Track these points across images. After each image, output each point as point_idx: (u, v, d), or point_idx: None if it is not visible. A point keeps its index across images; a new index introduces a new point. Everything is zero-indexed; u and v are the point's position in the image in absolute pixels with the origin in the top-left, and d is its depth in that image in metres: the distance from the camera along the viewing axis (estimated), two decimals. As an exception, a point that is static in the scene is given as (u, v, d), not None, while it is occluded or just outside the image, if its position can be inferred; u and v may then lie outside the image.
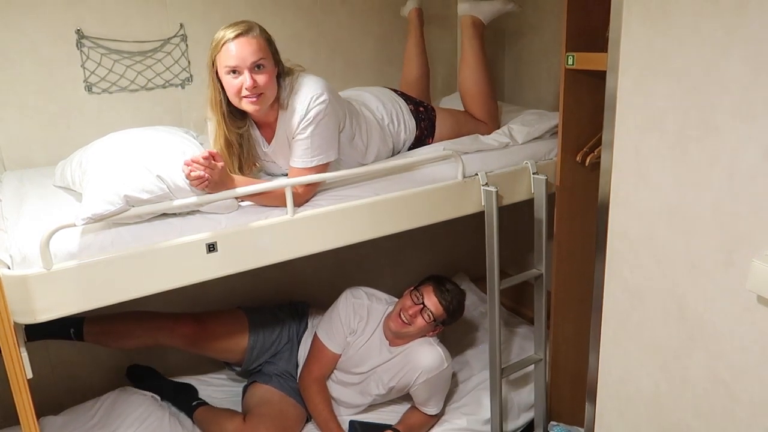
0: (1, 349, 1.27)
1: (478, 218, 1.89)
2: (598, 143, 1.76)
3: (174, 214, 1.48)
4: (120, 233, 1.40)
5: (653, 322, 1.21)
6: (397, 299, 2.07)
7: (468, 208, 1.85)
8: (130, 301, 1.42)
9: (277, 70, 1.58)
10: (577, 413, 1.99)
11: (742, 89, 0.96)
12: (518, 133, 2.01)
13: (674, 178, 1.10)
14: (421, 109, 1.99)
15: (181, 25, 2.07)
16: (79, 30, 1.93)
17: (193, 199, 1.45)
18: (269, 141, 1.69)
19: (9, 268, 1.31)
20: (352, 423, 2.03)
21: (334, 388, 2.06)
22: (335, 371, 2.06)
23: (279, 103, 1.60)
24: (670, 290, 1.16)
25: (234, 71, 1.51)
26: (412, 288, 2.03)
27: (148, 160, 1.44)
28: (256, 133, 1.70)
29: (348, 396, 2.05)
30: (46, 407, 1.96)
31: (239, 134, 1.65)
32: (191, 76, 2.12)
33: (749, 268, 0.98)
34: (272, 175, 1.78)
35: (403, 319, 1.94)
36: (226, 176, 1.49)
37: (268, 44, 1.55)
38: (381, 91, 2.00)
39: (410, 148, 1.96)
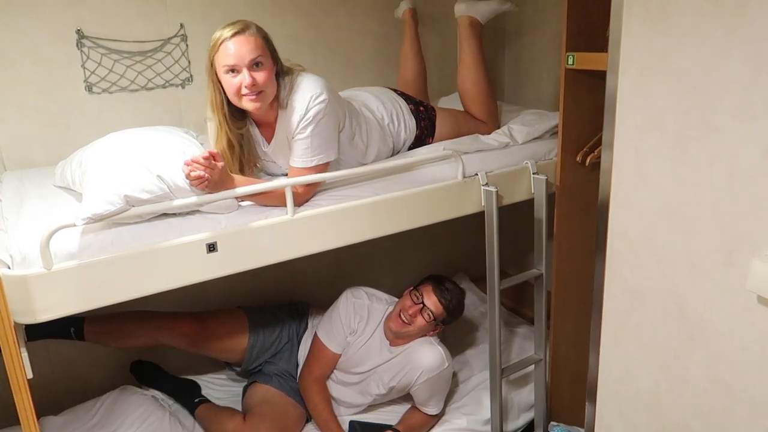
0: (1, 349, 1.27)
1: (478, 218, 1.89)
2: (598, 143, 1.76)
3: (174, 214, 1.48)
4: (120, 233, 1.40)
5: (653, 322, 1.21)
6: (397, 299, 2.07)
7: (468, 208, 1.85)
8: (131, 300, 1.42)
9: (276, 68, 1.59)
10: (577, 413, 1.99)
11: (742, 89, 0.96)
12: (518, 133, 2.01)
13: (674, 178, 1.10)
14: (421, 108, 1.99)
15: (181, 25, 2.07)
16: (79, 30, 1.93)
17: (193, 199, 1.45)
18: (269, 141, 1.69)
19: (9, 268, 1.31)
20: (352, 423, 2.03)
21: (334, 388, 2.06)
22: (335, 371, 2.06)
23: (278, 103, 1.60)
24: (670, 290, 1.16)
25: (233, 70, 1.51)
26: (411, 288, 2.03)
27: (148, 160, 1.44)
28: (256, 133, 1.70)
29: (348, 396, 2.05)
30: (46, 407, 1.96)
31: (240, 134, 1.65)
32: (191, 76, 2.12)
33: (749, 268, 0.98)
34: (272, 175, 1.78)
35: (404, 319, 1.94)
36: (226, 176, 1.49)
37: (266, 42, 1.55)
38: (381, 90, 2.00)
39: (410, 148, 1.96)
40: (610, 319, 1.32)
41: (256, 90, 1.52)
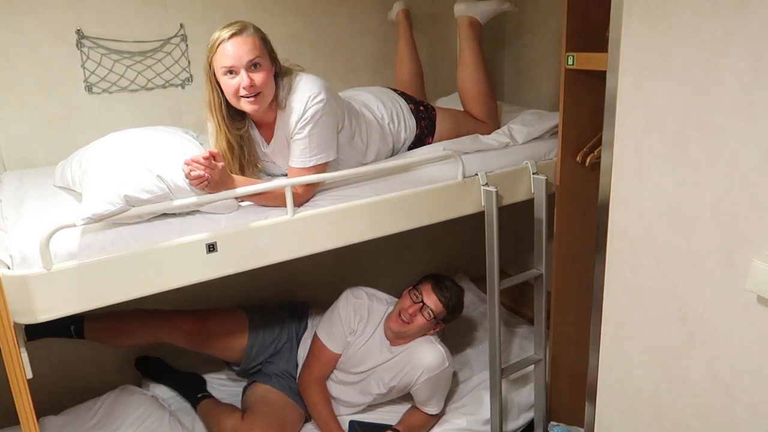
0: (1, 349, 1.27)
1: (478, 218, 1.89)
2: (598, 143, 1.76)
3: (174, 214, 1.48)
4: (120, 233, 1.40)
5: (653, 322, 1.21)
6: (397, 299, 2.07)
7: (468, 208, 1.85)
8: (131, 300, 1.42)
9: (275, 69, 1.59)
10: (577, 413, 1.99)
11: (742, 89, 0.96)
12: (518, 133, 2.01)
13: (674, 178, 1.10)
14: (422, 108, 1.99)
15: (181, 25, 2.07)
16: (79, 30, 1.93)
17: (193, 199, 1.45)
18: (269, 141, 1.69)
19: (9, 268, 1.31)
20: (351, 423, 2.03)
21: (334, 388, 2.06)
22: (335, 371, 2.06)
23: (277, 103, 1.60)
24: (670, 290, 1.16)
25: (231, 71, 1.51)
26: (410, 287, 2.03)
27: (148, 160, 1.44)
28: (255, 134, 1.70)
29: (348, 395, 2.05)
30: (46, 407, 1.96)
31: (239, 135, 1.65)
32: (191, 76, 2.12)
33: (749, 268, 0.98)
34: (272, 176, 1.78)
35: (404, 318, 1.94)
36: (226, 176, 1.49)
37: (264, 43, 1.55)
38: (381, 90, 2.00)
39: (410, 148, 1.96)
40: (610, 319, 1.32)
41: (254, 91, 1.52)
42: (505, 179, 1.89)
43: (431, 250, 2.77)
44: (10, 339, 1.26)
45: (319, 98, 1.57)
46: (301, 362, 2.12)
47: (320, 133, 1.60)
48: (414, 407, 2.04)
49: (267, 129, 1.68)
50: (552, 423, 2.00)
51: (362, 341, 2.02)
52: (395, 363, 1.98)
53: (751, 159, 0.96)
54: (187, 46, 2.09)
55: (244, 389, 2.13)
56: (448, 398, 2.10)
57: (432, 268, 2.15)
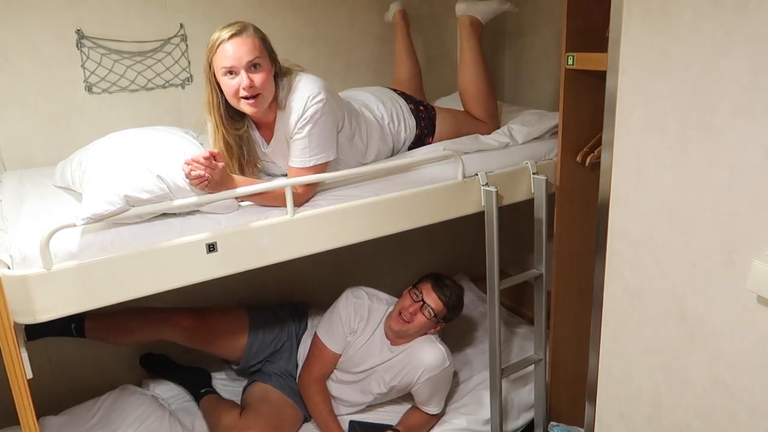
0: (1, 349, 1.27)
1: (478, 218, 1.89)
2: (598, 143, 1.76)
3: (174, 214, 1.48)
4: (120, 233, 1.40)
5: (653, 322, 1.21)
6: (397, 299, 2.07)
7: (468, 208, 1.85)
8: (131, 300, 1.42)
9: (274, 69, 1.59)
10: (577, 413, 1.99)
11: (742, 89, 0.96)
12: (518, 133, 2.01)
13: (674, 178, 1.10)
14: (421, 108, 1.99)
15: (181, 25, 2.07)
16: (79, 30, 1.93)
17: (193, 199, 1.45)
18: (268, 141, 1.69)
19: (9, 268, 1.31)
20: (351, 423, 2.03)
21: (334, 387, 2.06)
22: (335, 371, 2.06)
23: (277, 103, 1.60)
24: (670, 290, 1.16)
25: (231, 72, 1.51)
26: (410, 287, 2.03)
27: (148, 160, 1.44)
28: (255, 134, 1.70)
29: (348, 394, 2.05)
30: (46, 407, 1.96)
31: (238, 136, 1.65)
32: (191, 76, 2.12)
33: (749, 268, 0.98)
34: (273, 176, 1.78)
35: (404, 317, 1.94)
36: (226, 176, 1.49)
37: (263, 43, 1.55)
38: (381, 90, 2.01)
39: (410, 148, 1.96)
40: (610, 319, 1.32)
41: (254, 92, 1.52)
42: (505, 179, 1.89)
43: (431, 250, 2.77)
44: (10, 339, 1.26)
45: (318, 98, 1.57)
46: (301, 362, 2.12)
47: (320, 133, 1.60)
48: (414, 407, 2.04)
49: (267, 129, 1.68)
50: (552, 423, 2.00)
51: (362, 341, 2.02)
52: (396, 362, 1.98)
53: (751, 159, 0.97)
54: (187, 46, 2.09)
55: (244, 388, 2.13)
56: (448, 398, 2.10)
57: (432, 268, 2.15)
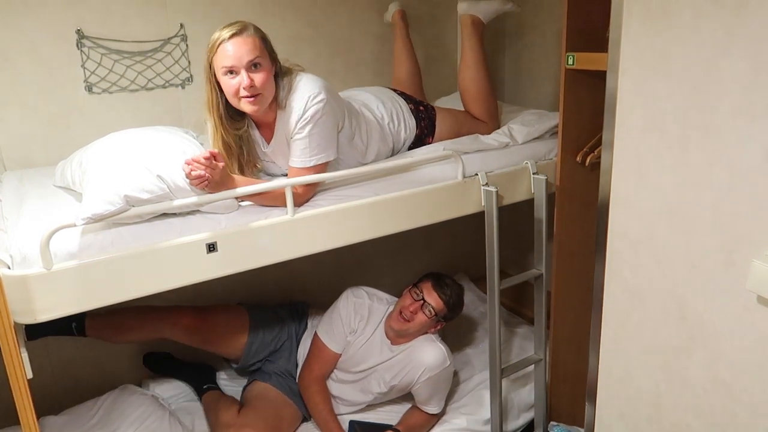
0: (2, 349, 1.27)
1: (478, 218, 1.89)
2: (598, 143, 1.76)
3: (174, 214, 1.48)
4: (120, 233, 1.40)
5: (653, 322, 1.21)
6: (397, 299, 2.07)
7: (468, 208, 1.85)
8: (131, 300, 1.42)
9: (275, 69, 1.59)
10: (577, 413, 2.00)
11: (742, 89, 0.96)
12: (518, 133, 2.01)
13: (674, 178, 1.10)
14: (421, 108, 1.99)
15: (181, 25, 2.07)
16: (79, 30, 1.93)
17: (193, 199, 1.45)
18: (269, 141, 1.69)
19: (9, 268, 1.31)
20: (351, 423, 2.03)
21: (334, 387, 2.07)
22: (335, 370, 2.06)
23: (277, 103, 1.60)
24: (670, 290, 1.16)
25: (231, 71, 1.51)
26: (411, 286, 2.03)
27: (148, 160, 1.44)
28: (255, 134, 1.70)
29: (348, 393, 2.05)
30: (46, 407, 1.96)
31: (238, 136, 1.65)
32: (191, 76, 2.12)
33: (749, 268, 0.98)
34: (273, 176, 1.78)
35: (404, 316, 1.94)
36: (226, 176, 1.49)
37: (264, 43, 1.55)
38: (381, 90, 2.01)
39: (410, 148, 1.96)
40: (610, 319, 1.32)
41: (254, 92, 1.52)
42: (505, 179, 1.89)
43: (431, 250, 2.77)
44: (10, 339, 1.26)
45: (319, 98, 1.57)
46: (300, 362, 2.12)
47: (320, 133, 1.60)
48: (414, 407, 2.04)
49: (267, 129, 1.68)
50: (552, 423, 2.00)
51: (363, 340, 2.02)
52: (396, 362, 1.98)
53: (751, 159, 0.97)
54: (187, 46, 2.09)
55: (244, 387, 2.14)
56: (449, 398, 2.10)
57: (432, 268, 2.15)
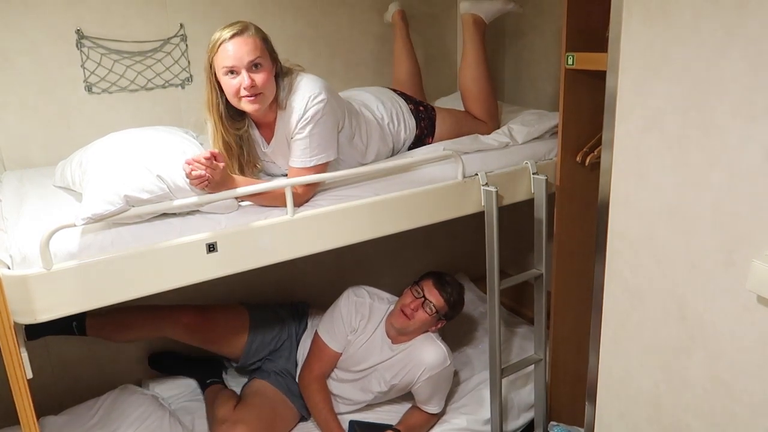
0: (2, 349, 1.27)
1: (478, 218, 1.89)
2: (598, 143, 1.76)
3: (174, 214, 1.48)
4: (120, 233, 1.40)
5: (653, 322, 1.21)
6: (398, 298, 2.07)
7: (468, 208, 1.85)
8: (131, 300, 1.42)
9: (275, 69, 1.59)
10: (577, 413, 1.99)
11: (742, 89, 0.96)
12: (518, 133, 2.01)
13: (674, 178, 1.10)
14: (421, 108, 1.99)
15: (181, 25, 2.07)
16: (79, 30, 1.93)
17: (193, 199, 1.45)
18: (269, 141, 1.69)
19: (9, 268, 1.31)
20: (351, 423, 2.03)
21: (335, 386, 2.07)
22: (336, 369, 2.06)
23: (277, 103, 1.60)
24: (670, 290, 1.16)
25: (232, 71, 1.51)
26: (411, 284, 2.03)
27: (148, 160, 1.44)
28: (255, 134, 1.70)
29: (348, 392, 2.05)
30: (46, 407, 1.96)
31: (238, 136, 1.65)
32: (191, 76, 2.12)
33: (749, 268, 0.98)
34: (273, 176, 1.78)
35: (405, 313, 1.94)
36: (226, 176, 1.49)
37: (265, 43, 1.55)
38: (381, 90, 2.01)
39: (410, 148, 1.96)
40: (610, 319, 1.32)
41: (255, 92, 1.52)
42: (505, 179, 1.89)
43: (431, 250, 2.77)
44: (10, 339, 1.26)
45: (319, 98, 1.57)
46: (300, 362, 2.12)
47: (321, 133, 1.60)
48: (414, 407, 2.04)
49: (267, 129, 1.68)
50: (552, 423, 1.99)
51: (363, 339, 2.02)
52: (396, 361, 1.98)
53: (751, 159, 0.97)
54: (187, 46, 2.09)
55: (244, 384, 2.14)
56: (449, 398, 2.10)
57: (432, 268, 2.15)
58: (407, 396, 2.05)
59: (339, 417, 2.02)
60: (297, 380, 2.10)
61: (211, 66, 1.54)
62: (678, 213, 1.11)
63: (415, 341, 1.98)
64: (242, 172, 1.66)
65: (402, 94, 2.02)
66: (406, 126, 1.93)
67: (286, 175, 1.66)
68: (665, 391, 1.21)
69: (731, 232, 1.02)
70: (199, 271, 1.48)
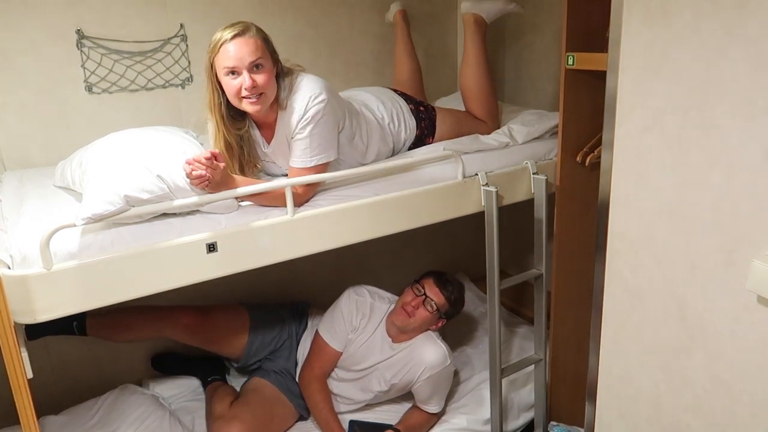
0: (2, 349, 1.27)
1: (478, 218, 1.89)
2: (598, 143, 1.76)
3: (174, 214, 1.48)
4: (120, 233, 1.40)
5: (653, 322, 1.21)
6: (399, 297, 2.07)
7: (468, 208, 1.85)
8: (131, 300, 1.42)
9: (276, 69, 1.59)
10: (577, 413, 1.99)
11: (742, 89, 0.96)
12: (518, 133, 2.01)
13: (674, 178, 1.10)
14: (422, 108, 1.99)
15: (181, 25, 2.07)
16: (79, 30, 1.93)
17: (193, 199, 1.45)
18: (269, 141, 1.69)
19: (9, 268, 1.31)
20: (351, 423, 2.03)
21: (335, 385, 2.07)
22: (336, 368, 2.06)
23: (278, 103, 1.60)
24: (670, 290, 1.16)
25: (233, 72, 1.51)
26: (412, 283, 2.03)
27: (148, 160, 1.44)
28: (256, 134, 1.70)
29: (348, 391, 2.05)
30: (46, 407, 1.96)
31: (239, 136, 1.65)
32: (191, 76, 2.12)
33: (749, 268, 0.98)
34: (273, 176, 1.78)
35: (406, 311, 1.94)
36: (227, 176, 1.49)
37: (266, 44, 1.55)
38: (381, 90, 2.01)
39: (410, 148, 1.96)
40: (610, 319, 1.32)
41: (256, 92, 1.52)
42: (505, 179, 1.89)
43: (431, 250, 2.77)
44: (11, 339, 1.26)
45: (320, 98, 1.57)
46: (300, 361, 2.12)
47: (321, 133, 1.60)
48: (414, 407, 2.04)
49: (267, 129, 1.68)
50: (552, 423, 2.00)
51: (364, 338, 2.02)
52: (397, 360, 1.98)
53: (751, 159, 0.97)
54: (187, 46, 2.09)
55: (244, 383, 2.14)
56: (449, 398, 2.10)
57: (432, 268, 2.15)
58: (407, 396, 2.05)
59: (339, 416, 2.02)
60: (297, 380, 2.10)
61: (212, 66, 1.54)
62: (678, 213, 1.11)
63: (416, 340, 1.98)
64: (243, 172, 1.66)
65: (402, 94, 2.02)
66: (407, 126, 1.93)
67: (287, 175, 1.66)
68: (665, 391, 1.21)
69: (731, 232, 1.02)
70: (199, 271, 1.48)
